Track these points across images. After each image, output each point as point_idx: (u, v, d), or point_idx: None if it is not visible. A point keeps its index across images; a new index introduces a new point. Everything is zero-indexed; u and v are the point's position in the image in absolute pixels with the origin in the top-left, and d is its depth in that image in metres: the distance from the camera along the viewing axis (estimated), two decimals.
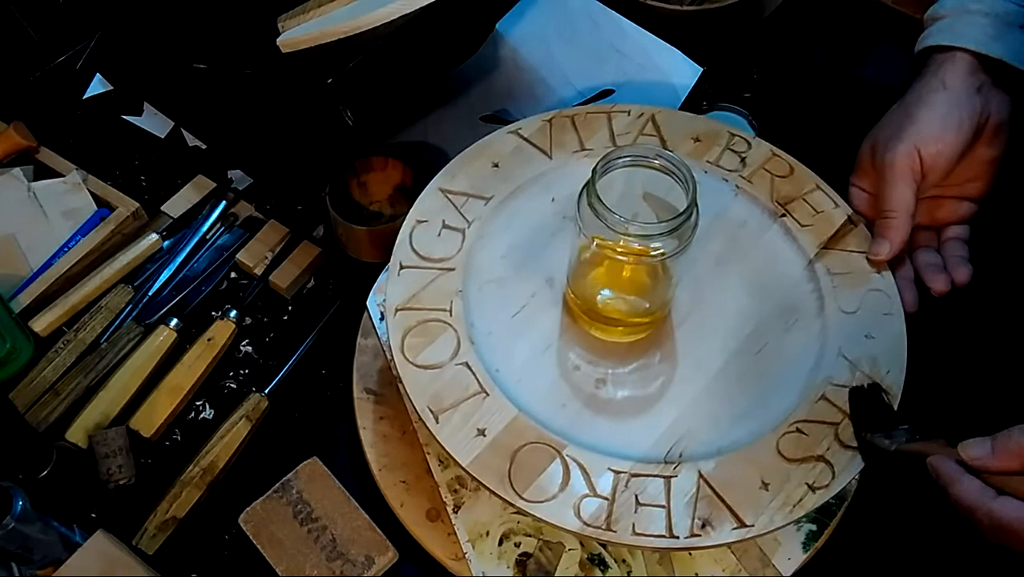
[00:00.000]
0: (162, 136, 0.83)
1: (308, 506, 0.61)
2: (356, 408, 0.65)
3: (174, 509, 0.62)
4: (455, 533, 0.58)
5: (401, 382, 0.55)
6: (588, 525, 0.50)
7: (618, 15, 0.81)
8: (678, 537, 0.50)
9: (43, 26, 0.88)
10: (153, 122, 0.84)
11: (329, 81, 0.69)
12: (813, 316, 0.58)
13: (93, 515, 0.64)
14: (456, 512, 0.59)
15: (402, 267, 0.59)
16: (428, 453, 0.61)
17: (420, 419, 0.54)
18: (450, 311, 0.58)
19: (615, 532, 0.50)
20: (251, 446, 0.66)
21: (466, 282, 0.59)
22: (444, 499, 0.59)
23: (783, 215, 0.62)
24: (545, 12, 0.83)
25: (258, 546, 0.60)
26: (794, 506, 0.50)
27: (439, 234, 0.61)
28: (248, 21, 0.75)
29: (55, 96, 0.84)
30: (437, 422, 0.53)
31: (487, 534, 0.58)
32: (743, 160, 0.65)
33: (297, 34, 0.69)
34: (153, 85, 0.85)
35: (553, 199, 0.63)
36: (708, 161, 0.64)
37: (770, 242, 0.61)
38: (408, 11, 0.64)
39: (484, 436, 0.53)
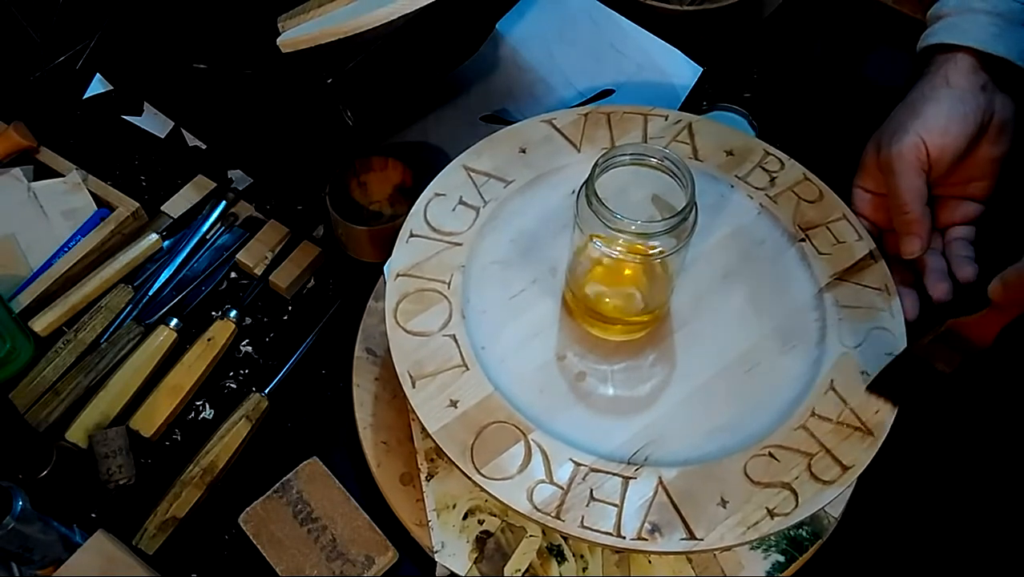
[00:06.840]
0: (162, 136, 0.83)
1: (308, 506, 0.61)
2: (354, 366, 0.65)
3: (174, 509, 0.62)
4: (423, 500, 0.59)
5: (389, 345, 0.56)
6: (538, 510, 0.50)
7: (618, 15, 0.81)
8: (624, 537, 0.50)
9: (43, 26, 0.88)
10: (153, 122, 0.84)
11: (329, 81, 0.70)
12: (812, 345, 0.57)
13: (93, 515, 0.64)
14: (428, 480, 0.60)
15: (412, 235, 0.60)
16: (413, 420, 0.62)
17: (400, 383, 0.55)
18: (449, 284, 0.58)
19: (563, 521, 0.50)
20: (251, 446, 0.66)
21: (470, 259, 0.60)
22: (420, 466, 0.60)
23: (802, 240, 0.61)
24: (545, 12, 0.83)
25: (258, 546, 0.60)
26: (749, 528, 0.50)
27: (454, 209, 0.62)
28: (248, 21, 0.75)
29: (55, 96, 0.84)
30: (414, 387, 0.54)
31: (453, 507, 0.59)
32: (773, 180, 0.64)
33: (297, 34, 0.69)
34: (153, 85, 0.85)
35: (573, 191, 0.62)
36: (737, 176, 0.64)
37: (784, 265, 0.60)
38: (408, 11, 0.64)
39: (456, 408, 0.54)
